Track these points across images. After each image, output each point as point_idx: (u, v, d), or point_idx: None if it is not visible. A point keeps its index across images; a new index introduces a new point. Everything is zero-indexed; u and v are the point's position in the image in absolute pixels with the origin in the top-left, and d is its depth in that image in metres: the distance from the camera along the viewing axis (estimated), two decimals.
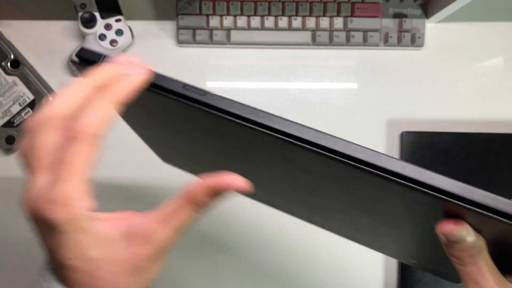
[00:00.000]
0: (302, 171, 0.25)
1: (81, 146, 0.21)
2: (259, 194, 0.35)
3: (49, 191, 0.20)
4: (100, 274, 0.22)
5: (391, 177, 0.20)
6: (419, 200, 0.20)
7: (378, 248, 0.38)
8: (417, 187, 0.20)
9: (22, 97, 0.53)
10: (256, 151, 0.27)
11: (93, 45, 0.53)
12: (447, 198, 0.19)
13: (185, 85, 0.23)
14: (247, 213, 0.54)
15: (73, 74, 0.55)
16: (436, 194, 0.19)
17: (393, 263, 0.53)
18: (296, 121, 0.22)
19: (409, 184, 0.20)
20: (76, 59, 0.25)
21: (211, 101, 0.23)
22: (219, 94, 0.23)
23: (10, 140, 0.53)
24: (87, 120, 0.21)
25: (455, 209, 0.20)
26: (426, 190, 0.19)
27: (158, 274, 0.25)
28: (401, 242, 0.31)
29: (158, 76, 0.24)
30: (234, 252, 0.54)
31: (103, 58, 0.24)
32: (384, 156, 0.20)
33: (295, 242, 0.54)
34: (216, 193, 0.24)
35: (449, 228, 0.21)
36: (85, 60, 0.24)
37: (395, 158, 0.20)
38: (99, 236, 0.22)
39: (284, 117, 0.22)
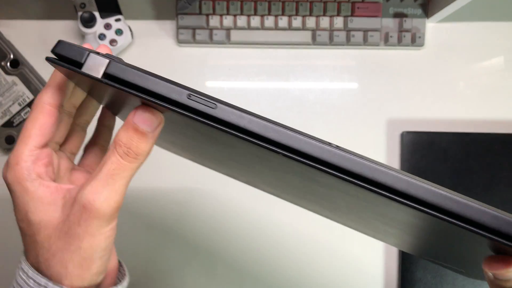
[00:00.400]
0: (325, 187, 0.23)
1: (33, 113, 0.24)
2: (271, 189, 0.33)
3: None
4: (39, 238, 0.23)
5: (449, 219, 0.17)
6: (464, 236, 0.19)
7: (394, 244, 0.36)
8: (470, 227, 0.17)
9: (21, 96, 0.53)
10: (275, 166, 0.23)
11: (93, 44, 0.53)
12: (500, 240, 0.17)
13: (190, 94, 0.19)
14: (246, 212, 0.54)
15: None
16: (489, 235, 0.17)
17: (394, 263, 0.53)
18: (323, 139, 0.19)
19: (458, 223, 0.17)
20: (52, 56, 0.20)
21: (224, 115, 0.19)
22: (230, 104, 0.19)
23: (10, 140, 0.53)
24: (43, 89, 0.24)
25: (505, 248, 0.18)
26: (477, 230, 0.17)
27: (103, 251, 0.23)
28: (423, 243, 0.29)
29: (154, 82, 0.19)
30: (232, 251, 0.54)
31: (87, 56, 0.20)
32: (427, 187, 0.18)
33: (295, 242, 0.53)
34: (136, 129, 0.22)
35: (499, 268, 0.20)
36: (64, 58, 0.20)
37: (436, 188, 0.18)
38: (41, 201, 0.23)
39: (314, 137, 0.19)
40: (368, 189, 0.18)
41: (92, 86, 0.23)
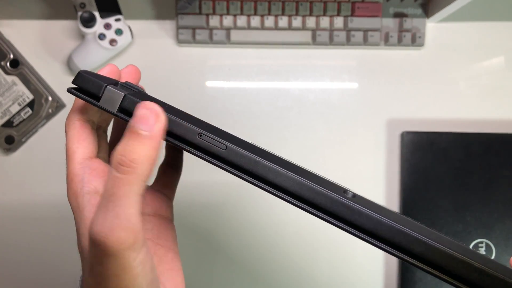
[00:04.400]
0: None
1: (67, 134, 0.23)
2: None
3: None
4: (83, 268, 0.21)
5: None
6: None
7: None
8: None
9: (21, 96, 0.53)
10: None
11: (92, 44, 0.53)
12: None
13: (201, 133, 0.19)
14: (246, 213, 0.54)
15: (73, 74, 0.55)
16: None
17: (394, 263, 0.53)
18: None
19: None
20: (72, 87, 0.21)
21: (234, 158, 0.18)
22: (243, 142, 0.19)
23: (10, 140, 0.53)
24: (70, 111, 0.23)
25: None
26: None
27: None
28: None
29: (169, 121, 0.19)
30: (232, 253, 0.54)
31: (104, 90, 0.20)
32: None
33: (295, 242, 0.53)
34: (130, 131, 0.18)
35: None
36: (84, 90, 0.21)
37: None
38: (86, 223, 0.20)
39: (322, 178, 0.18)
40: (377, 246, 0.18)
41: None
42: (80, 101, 0.23)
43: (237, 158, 0.18)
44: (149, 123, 0.18)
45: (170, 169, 0.28)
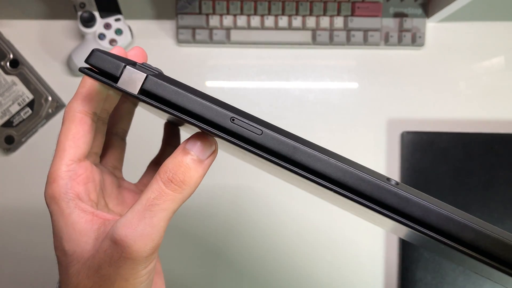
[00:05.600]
0: None
1: (65, 124, 0.21)
2: None
3: None
4: (70, 272, 0.20)
5: None
6: None
7: None
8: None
9: (21, 96, 0.53)
10: None
11: (92, 44, 0.52)
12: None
13: (233, 118, 0.18)
14: (246, 214, 0.54)
15: (73, 74, 0.55)
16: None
17: (394, 263, 0.53)
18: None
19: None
20: (85, 67, 0.19)
21: (271, 143, 0.17)
22: (278, 128, 0.18)
23: (9, 140, 0.53)
24: (73, 97, 0.22)
25: None
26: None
27: None
28: None
29: (194, 101, 0.18)
30: (232, 253, 0.54)
31: (123, 69, 0.18)
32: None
33: (295, 242, 0.53)
34: (186, 153, 0.19)
35: None
36: (99, 69, 0.18)
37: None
38: (73, 227, 0.20)
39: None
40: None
41: (133, 99, 0.22)
42: (85, 89, 0.22)
43: (274, 144, 0.17)
44: (207, 154, 0.19)
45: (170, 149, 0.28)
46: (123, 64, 0.18)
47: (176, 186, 0.19)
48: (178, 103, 0.18)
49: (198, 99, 0.18)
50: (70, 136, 0.21)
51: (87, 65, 0.19)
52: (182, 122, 0.23)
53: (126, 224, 0.18)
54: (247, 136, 0.17)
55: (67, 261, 0.20)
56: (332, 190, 0.17)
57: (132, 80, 0.18)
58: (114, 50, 0.22)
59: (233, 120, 0.18)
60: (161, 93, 0.18)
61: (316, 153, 0.17)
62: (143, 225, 0.18)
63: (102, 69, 0.18)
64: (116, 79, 0.18)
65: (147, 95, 0.18)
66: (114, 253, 0.18)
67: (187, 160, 0.19)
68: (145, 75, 0.18)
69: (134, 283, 0.19)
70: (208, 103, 0.18)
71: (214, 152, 0.20)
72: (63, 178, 0.21)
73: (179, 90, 0.18)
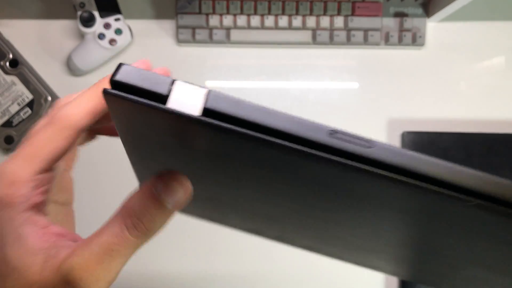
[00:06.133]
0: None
1: (51, 130, 0.19)
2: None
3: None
4: (8, 286, 0.18)
5: None
6: None
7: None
8: None
9: (21, 96, 0.53)
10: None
11: (92, 44, 0.52)
12: None
13: (332, 131, 0.13)
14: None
15: (72, 74, 0.55)
16: None
17: None
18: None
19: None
20: (111, 90, 0.14)
21: (387, 156, 0.13)
22: (386, 143, 0.14)
23: (9, 140, 0.53)
24: (73, 106, 0.19)
25: None
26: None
27: None
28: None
29: (282, 117, 0.13)
30: (232, 253, 0.54)
31: (172, 85, 0.14)
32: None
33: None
34: (156, 198, 0.17)
35: None
36: (132, 88, 0.13)
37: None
38: (20, 240, 0.18)
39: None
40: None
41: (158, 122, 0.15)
42: (92, 105, 0.19)
43: (392, 156, 0.14)
44: (178, 199, 0.17)
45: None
46: (171, 79, 0.14)
47: (139, 233, 0.17)
48: (258, 121, 0.13)
49: (288, 116, 0.14)
50: (52, 147, 0.19)
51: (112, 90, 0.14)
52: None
53: (83, 266, 0.17)
54: (353, 150, 0.13)
55: (7, 273, 0.18)
56: (462, 200, 0.14)
57: (188, 99, 0.13)
58: (140, 64, 0.20)
59: (333, 133, 0.14)
60: (236, 113, 0.13)
61: (437, 160, 0.14)
62: (100, 269, 0.17)
63: (139, 88, 0.13)
64: (163, 98, 0.13)
65: (213, 116, 0.13)
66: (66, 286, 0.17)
67: (157, 206, 0.17)
68: (207, 89, 0.14)
69: None
70: (302, 120, 0.14)
71: (188, 197, 0.18)
72: (25, 186, 0.18)
73: (254, 105, 0.14)
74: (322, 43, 0.54)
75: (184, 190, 0.17)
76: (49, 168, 0.19)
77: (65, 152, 0.19)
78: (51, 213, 0.21)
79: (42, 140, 0.19)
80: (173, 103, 0.13)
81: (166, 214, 0.18)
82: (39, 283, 0.18)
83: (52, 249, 0.18)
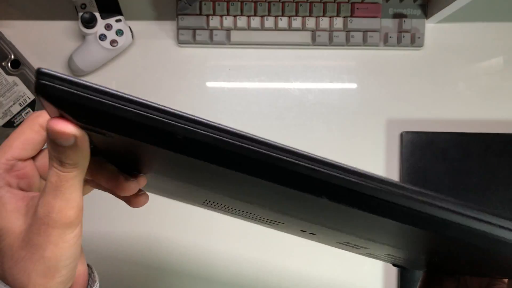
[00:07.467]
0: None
1: (22, 126, 0.24)
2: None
3: None
4: (2, 246, 0.23)
5: None
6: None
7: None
8: None
9: (22, 97, 0.53)
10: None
11: (93, 45, 0.53)
12: None
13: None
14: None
15: (74, 74, 0.55)
16: None
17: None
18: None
19: None
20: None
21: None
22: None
23: None
24: (43, 112, 0.24)
25: None
26: None
27: (69, 259, 0.22)
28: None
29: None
30: (232, 253, 0.54)
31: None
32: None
33: (295, 242, 0.54)
34: (54, 143, 0.19)
35: None
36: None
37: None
38: (4, 207, 0.23)
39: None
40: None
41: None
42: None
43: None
44: (69, 140, 0.19)
45: None
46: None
47: (67, 168, 0.20)
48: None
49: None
50: (22, 138, 0.24)
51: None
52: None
53: (45, 203, 0.21)
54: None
55: None
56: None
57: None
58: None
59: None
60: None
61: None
62: (59, 202, 0.21)
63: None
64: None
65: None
66: (42, 226, 0.21)
67: (59, 148, 0.19)
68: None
69: (64, 247, 0.22)
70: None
71: (67, 127, 0.18)
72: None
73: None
74: (322, 44, 0.54)
75: (63, 127, 0.19)
76: (24, 158, 0.24)
77: (39, 146, 0.24)
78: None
79: (15, 133, 0.24)
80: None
81: (71, 149, 0.19)
82: (26, 231, 0.22)
83: (30, 201, 0.23)
